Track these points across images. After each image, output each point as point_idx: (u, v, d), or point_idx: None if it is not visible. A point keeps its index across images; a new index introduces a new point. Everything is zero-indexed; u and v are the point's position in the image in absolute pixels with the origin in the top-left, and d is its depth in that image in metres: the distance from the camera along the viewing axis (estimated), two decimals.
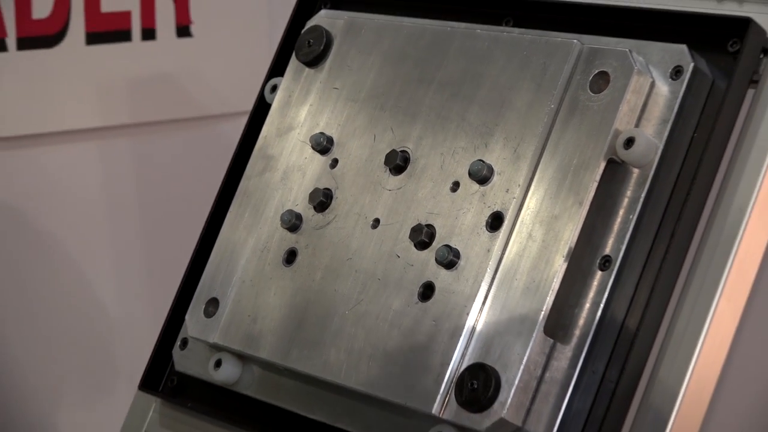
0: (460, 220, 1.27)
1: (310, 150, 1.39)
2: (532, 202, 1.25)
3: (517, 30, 1.35)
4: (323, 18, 1.46)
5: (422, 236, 1.28)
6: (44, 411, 2.27)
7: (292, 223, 1.36)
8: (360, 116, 1.38)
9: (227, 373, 1.37)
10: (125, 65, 2.25)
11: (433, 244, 1.28)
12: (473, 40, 1.34)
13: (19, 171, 2.20)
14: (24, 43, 2.14)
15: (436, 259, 1.26)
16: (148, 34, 2.27)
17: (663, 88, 1.24)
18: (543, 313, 1.20)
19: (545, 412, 1.20)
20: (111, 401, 2.19)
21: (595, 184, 1.22)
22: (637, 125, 1.24)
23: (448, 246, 1.26)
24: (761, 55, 1.25)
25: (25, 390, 2.25)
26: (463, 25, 1.37)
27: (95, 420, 2.24)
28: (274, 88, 1.48)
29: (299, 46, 1.46)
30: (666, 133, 1.23)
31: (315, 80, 1.43)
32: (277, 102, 1.46)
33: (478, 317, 1.23)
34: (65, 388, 2.29)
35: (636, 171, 1.23)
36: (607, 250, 1.22)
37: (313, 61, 1.44)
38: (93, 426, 2.25)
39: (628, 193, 1.23)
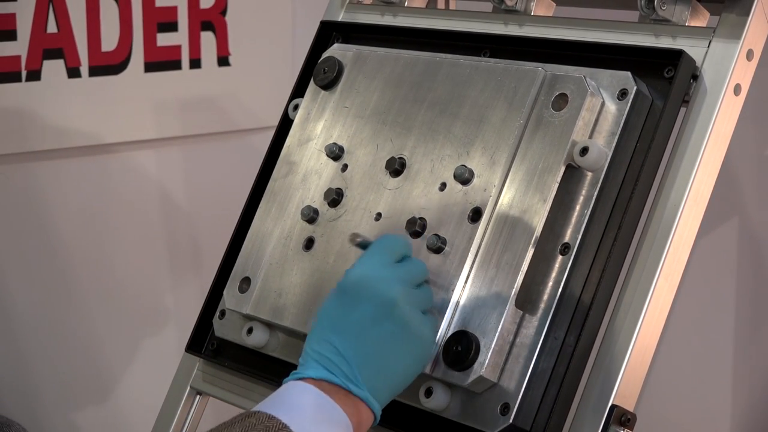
0: (446, 213, 1.27)
1: (325, 157, 1.38)
2: (505, 199, 1.24)
3: (492, 60, 1.34)
4: (336, 50, 1.46)
5: (416, 227, 1.27)
6: (115, 366, 2.28)
7: (310, 216, 1.35)
8: (366, 129, 1.37)
9: (257, 339, 1.36)
10: (176, 88, 2.25)
11: (425, 233, 1.27)
12: (457, 68, 1.33)
13: (89, 174, 2.19)
14: (94, 71, 2.14)
15: (427, 246, 1.25)
16: (195, 63, 2.26)
17: (611, 107, 1.24)
18: (514, 289, 1.20)
19: (516, 370, 1.19)
20: (163, 361, 2.19)
21: (557, 185, 1.22)
22: (590, 137, 1.23)
23: (437, 235, 1.25)
24: (691, 80, 1.25)
25: (101, 348, 2.26)
26: (449, 55, 1.36)
27: (151, 376, 2.24)
28: (296, 107, 1.47)
29: (316, 72, 1.45)
30: (614, 144, 1.23)
31: (329, 100, 1.42)
32: (298, 118, 1.45)
33: (461, 293, 1.23)
34: (130, 349, 2.29)
35: (590, 174, 1.23)
36: (567, 239, 1.22)
37: (328, 85, 1.43)
38: (149, 379, 2.24)
39: (583, 192, 1.23)
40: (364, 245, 1.25)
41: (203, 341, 1.46)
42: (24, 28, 2.05)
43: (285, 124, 1.48)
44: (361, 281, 1.17)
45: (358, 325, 1.16)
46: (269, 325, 1.36)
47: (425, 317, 1.18)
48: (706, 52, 1.25)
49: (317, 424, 1.10)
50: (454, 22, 1.46)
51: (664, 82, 1.25)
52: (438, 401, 1.21)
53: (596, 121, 1.23)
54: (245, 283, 1.38)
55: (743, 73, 1.24)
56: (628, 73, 1.24)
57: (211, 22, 2.27)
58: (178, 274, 2.34)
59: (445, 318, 1.22)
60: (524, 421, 1.18)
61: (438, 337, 1.21)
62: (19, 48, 2.04)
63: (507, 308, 1.20)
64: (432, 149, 1.31)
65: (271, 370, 1.37)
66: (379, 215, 1.32)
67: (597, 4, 1.46)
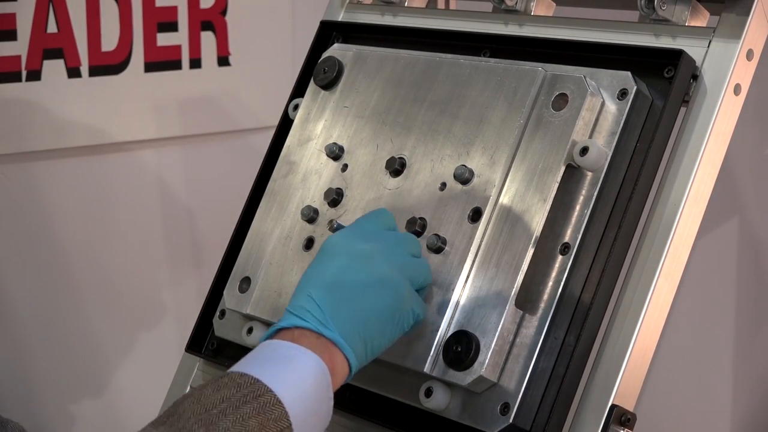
0: (446, 213, 1.27)
1: (325, 157, 1.38)
2: (505, 199, 1.24)
3: (493, 60, 1.34)
4: (336, 50, 1.46)
5: (416, 227, 1.27)
6: (114, 366, 2.28)
7: (310, 216, 1.36)
8: (366, 129, 1.37)
9: (257, 338, 1.36)
10: (176, 88, 2.24)
11: (425, 233, 1.27)
12: (457, 67, 1.33)
13: (89, 174, 2.19)
14: (94, 71, 2.14)
15: (427, 246, 1.25)
16: (195, 63, 2.26)
17: (611, 106, 1.24)
18: (514, 289, 1.20)
19: (516, 370, 1.19)
20: (163, 361, 2.19)
21: (557, 185, 1.22)
22: (590, 137, 1.23)
23: (437, 235, 1.25)
24: (691, 80, 1.25)
25: (101, 348, 2.25)
26: (449, 55, 1.36)
27: (151, 376, 2.24)
28: (296, 107, 1.47)
29: (316, 72, 1.45)
30: (614, 143, 1.23)
31: (329, 100, 1.42)
32: (298, 118, 1.45)
33: (461, 293, 1.23)
34: (130, 349, 2.29)
35: (589, 174, 1.23)
36: (567, 238, 1.22)
37: (328, 85, 1.43)
38: (149, 379, 2.24)
39: (583, 192, 1.23)
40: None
41: (203, 341, 1.46)
42: (24, 28, 2.05)
43: (285, 124, 1.48)
44: (340, 240, 1.20)
45: (333, 275, 1.18)
46: (269, 325, 1.36)
47: (407, 282, 1.19)
48: (706, 52, 1.25)
49: (289, 371, 1.11)
50: (454, 22, 1.46)
51: (664, 82, 1.25)
52: (438, 401, 1.21)
53: (596, 120, 1.23)
54: (245, 282, 1.38)
55: (743, 73, 1.25)
56: (628, 73, 1.24)
57: (211, 22, 2.27)
58: (178, 274, 2.34)
59: (445, 318, 1.22)
60: (524, 420, 1.18)
61: (438, 337, 1.21)
62: (19, 48, 2.04)
63: (507, 308, 1.20)
64: (432, 149, 1.31)
65: None
66: None
67: (597, 4, 1.46)
